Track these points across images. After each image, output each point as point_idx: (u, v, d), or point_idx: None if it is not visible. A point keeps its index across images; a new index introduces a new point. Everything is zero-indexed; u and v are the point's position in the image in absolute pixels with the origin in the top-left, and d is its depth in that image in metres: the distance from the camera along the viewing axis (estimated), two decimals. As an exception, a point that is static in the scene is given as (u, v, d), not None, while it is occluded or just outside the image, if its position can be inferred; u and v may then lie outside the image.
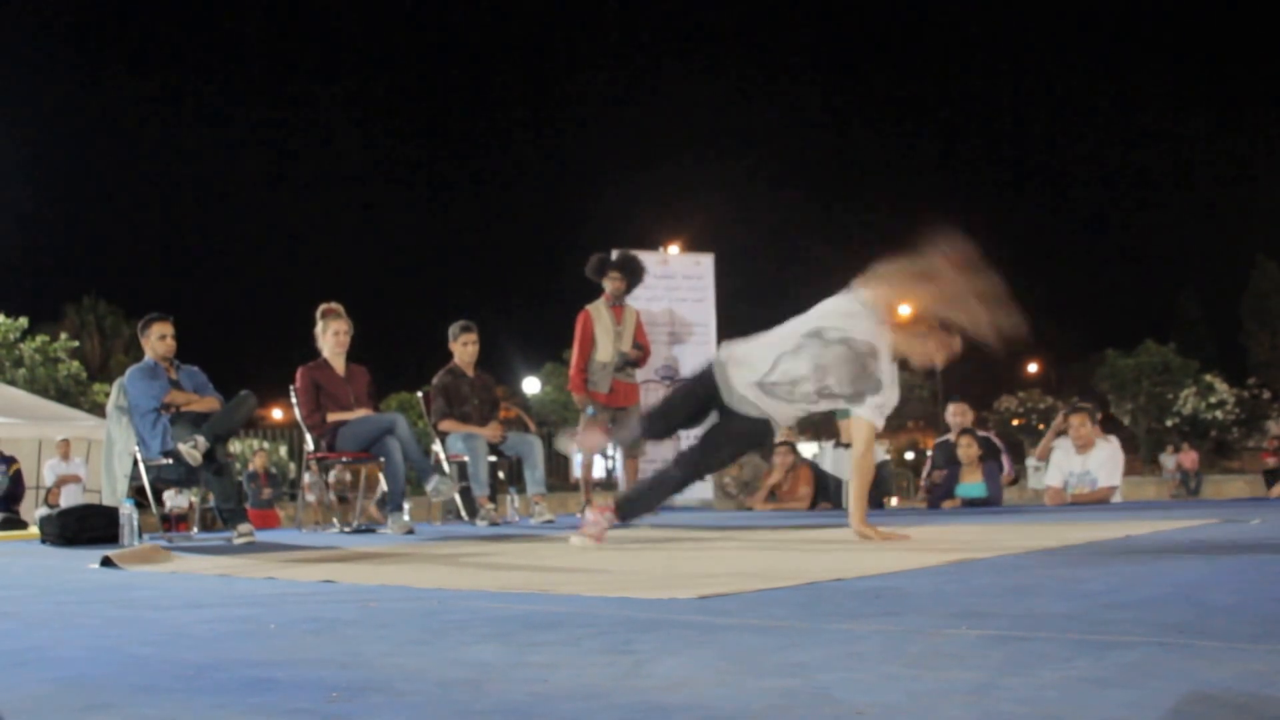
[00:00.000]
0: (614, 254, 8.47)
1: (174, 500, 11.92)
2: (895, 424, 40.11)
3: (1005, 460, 8.05)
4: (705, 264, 10.01)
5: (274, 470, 14.72)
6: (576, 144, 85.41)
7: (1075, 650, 1.44)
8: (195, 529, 7.60)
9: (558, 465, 20.41)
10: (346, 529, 6.63)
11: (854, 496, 4.12)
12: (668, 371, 9.63)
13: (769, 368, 4.05)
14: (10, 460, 12.43)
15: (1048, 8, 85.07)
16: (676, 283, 9.87)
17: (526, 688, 1.32)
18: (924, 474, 8.48)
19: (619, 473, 9.18)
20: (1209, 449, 33.49)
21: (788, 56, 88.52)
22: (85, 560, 4.01)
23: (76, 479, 12.86)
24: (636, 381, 8.45)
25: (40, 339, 24.51)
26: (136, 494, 5.85)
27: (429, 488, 6.26)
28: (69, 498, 12.05)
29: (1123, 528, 4.08)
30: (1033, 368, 44.90)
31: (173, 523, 11.34)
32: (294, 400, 6.65)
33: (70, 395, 22.57)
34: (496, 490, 7.35)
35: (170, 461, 5.81)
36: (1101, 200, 73.10)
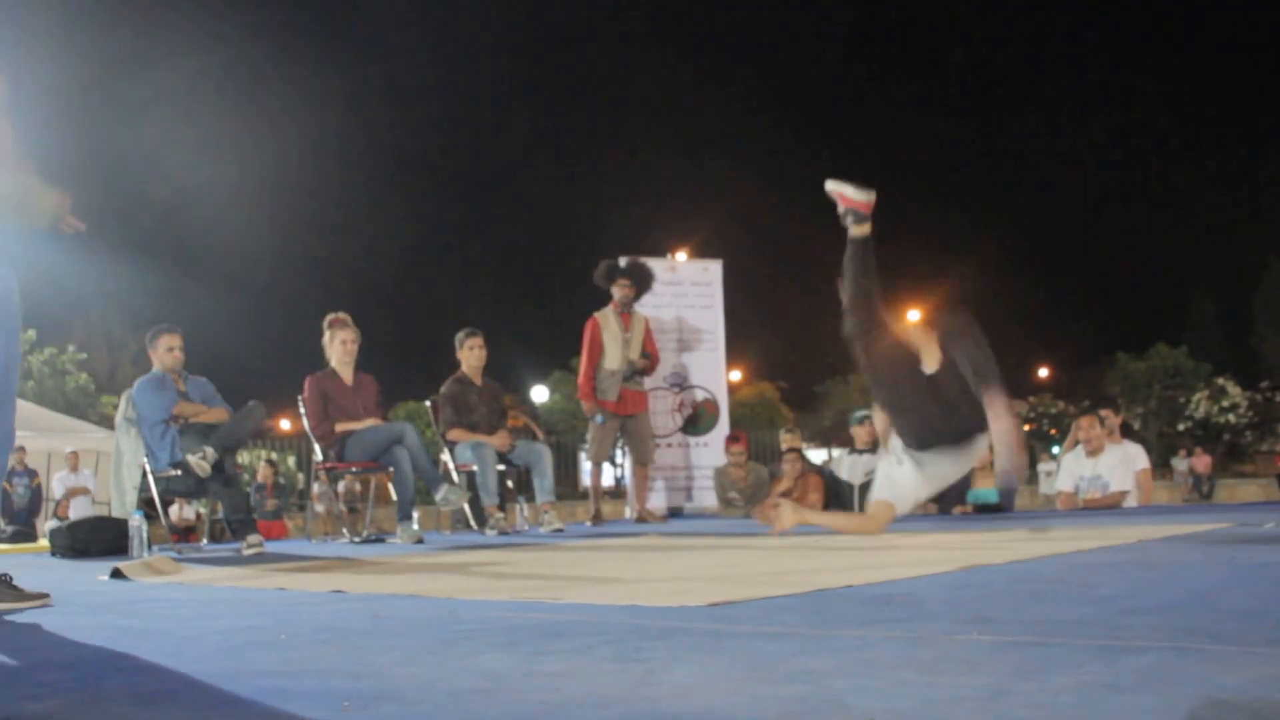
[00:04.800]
0: (622, 261, 8.48)
1: (177, 512, 11.96)
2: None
3: None
4: (713, 270, 10.00)
5: (282, 480, 14.73)
6: (584, 150, 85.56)
7: (1089, 655, 1.44)
8: (204, 540, 7.60)
9: (566, 474, 20.41)
10: (356, 539, 6.63)
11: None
12: (676, 379, 9.63)
13: None
14: (33, 474, 12.54)
15: (1055, 8, 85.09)
16: (684, 289, 9.86)
17: (538, 696, 1.32)
18: None
19: (627, 481, 9.18)
20: (1222, 452, 33.32)
21: (796, 63, 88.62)
22: (95, 572, 4.01)
23: (85, 491, 12.90)
24: (645, 389, 8.45)
25: (48, 351, 24.57)
26: (146, 505, 5.86)
27: (438, 497, 6.26)
28: (78, 510, 12.09)
29: (1135, 532, 4.07)
30: (1043, 372, 44.79)
31: (182, 534, 11.38)
32: (302, 410, 6.66)
33: (78, 407, 22.61)
34: (505, 499, 7.35)
35: (179, 473, 5.83)
36: (1111, 203, 73.02)
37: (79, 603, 2.95)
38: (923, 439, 4.49)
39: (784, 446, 9.10)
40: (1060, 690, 1.23)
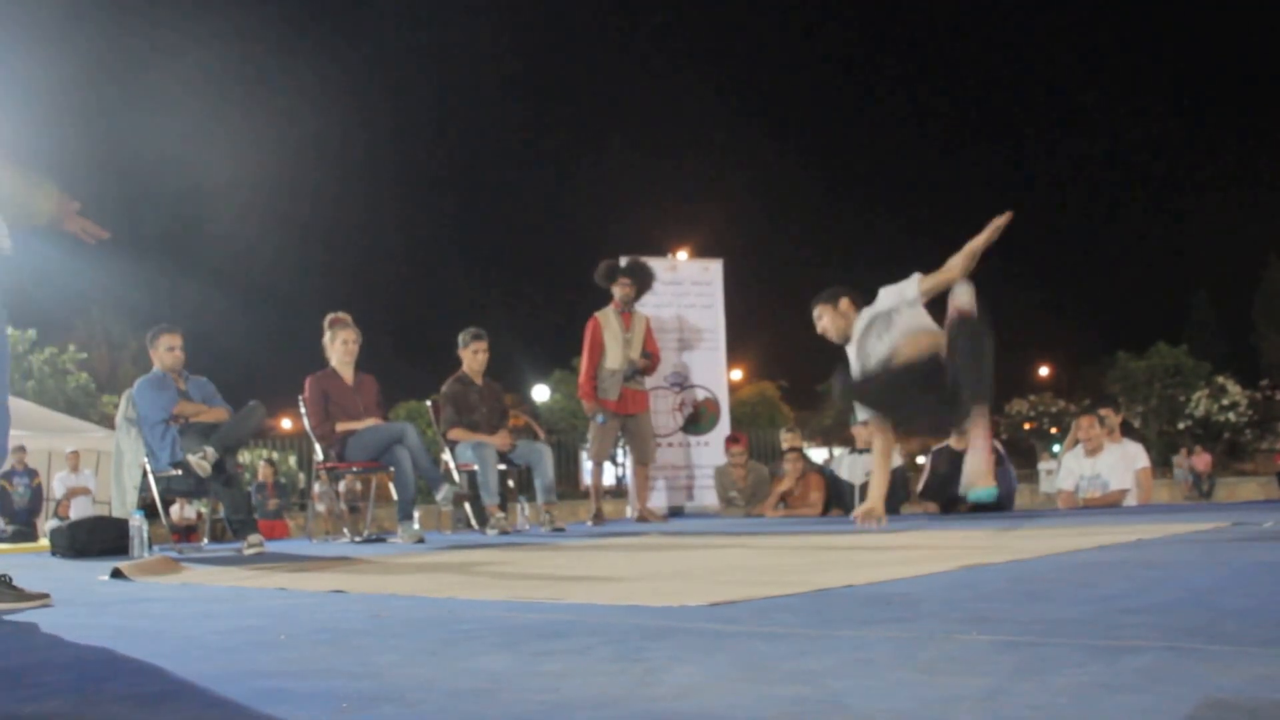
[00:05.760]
0: (623, 260, 8.48)
1: (178, 512, 11.97)
2: (907, 428, 39.93)
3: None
4: (714, 270, 10.00)
5: (283, 480, 14.74)
6: (586, 150, 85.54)
7: (1087, 655, 1.44)
8: (205, 540, 7.61)
9: (567, 473, 20.41)
10: (357, 538, 6.64)
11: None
12: (677, 378, 9.64)
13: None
14: (34, 473, 12.55)
15: (1058, 10, 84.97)
16: (685, 289, 9.86)
17: (537, 697, 1.32)
18: (921, 482, 8.38)
19: (628, 481, 9.18)
20: (1221, 451, 33.33)
21: (799, 65, 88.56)
22: (95, 572, 4.02)
23: (86, 491, 12.91)
24: (646, 389, 8.45)
25: (49, 351, 24.58)
26: (146, 505, 5.87)
27: (439, 496, 6.26)
28: (78, 509, 12.11)
29: (1135, 531, 4.07)
30: (1044, 371, 44.83)
31: (183, 534, 11.39)
32: (303, 410, 6.66)
33: (79, 407, 22.61)
34: (506, 498, 7.36)
35: (179, 472, 5.83)
36: (1112, 202, 72.98)
37: (79, 603, 2.95)
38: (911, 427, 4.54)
39: (785, 446, 9.10)
40: (1059, 690, 1.23)
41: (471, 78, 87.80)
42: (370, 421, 6.48)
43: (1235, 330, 45.09)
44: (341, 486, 9.29)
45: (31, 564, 5.31)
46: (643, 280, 8.45)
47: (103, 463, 13.13)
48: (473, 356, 7.31)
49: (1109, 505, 7.22)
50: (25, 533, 11.20)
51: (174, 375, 6.04)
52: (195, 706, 1.37)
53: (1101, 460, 7.41)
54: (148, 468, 5.91)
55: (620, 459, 9.88)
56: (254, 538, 5.50)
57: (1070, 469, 7.65)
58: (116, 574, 3.74)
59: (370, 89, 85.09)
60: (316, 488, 11.99)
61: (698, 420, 9.69)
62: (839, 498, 8.29)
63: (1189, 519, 4.92)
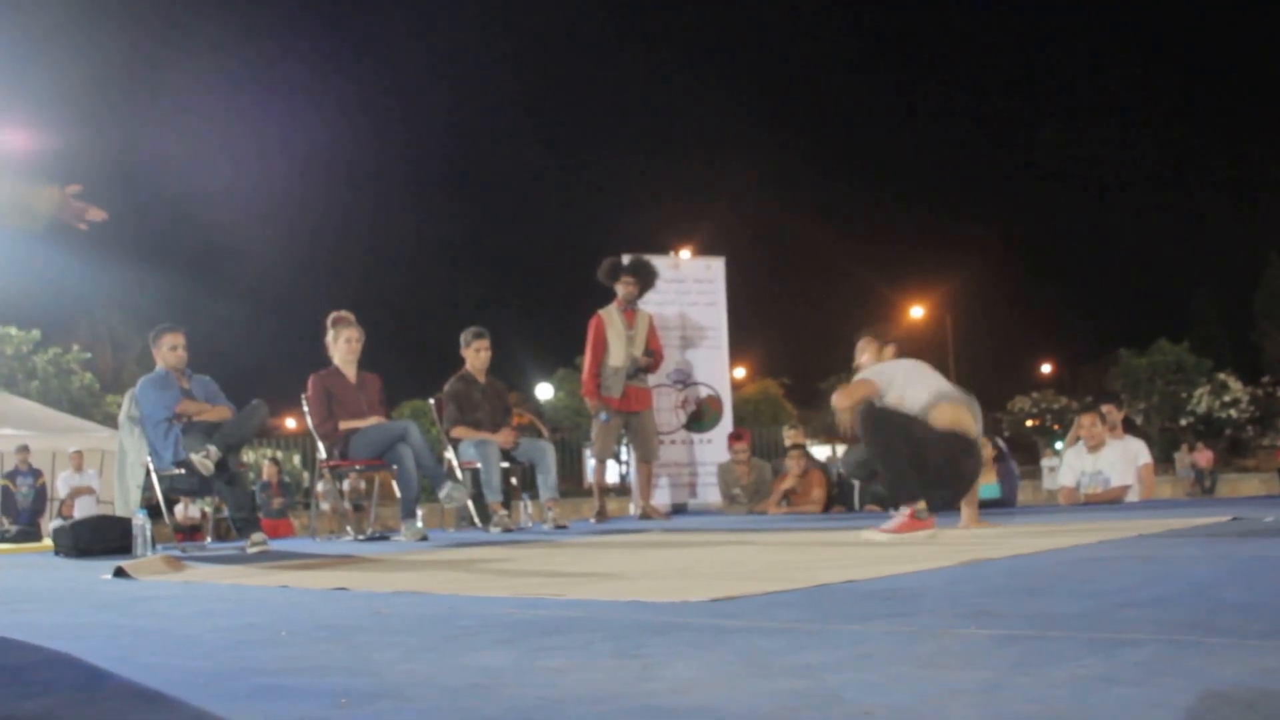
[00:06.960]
0: (625, 258, 8.47)
1: (182, 511, 11.98)
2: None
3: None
4: (716, 268, 10.00)
5: (287, 479, 14.75)
6: (588, 148, 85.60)
7: (1086, 649, 1.44)
8: (209, 539, 7.62)
9: (571, 471, 20.41)
10: (360, 537, 6.64)
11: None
12: (680, 376, 9.63)
13: None
14: (38, 473, 12.56)
15: (1062, 9, 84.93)
16: (688, 286, 9.85)
17: (536, 692, 1.32)
18: None
19: (632, 478, 9.18)
20: (1223, 448, 33.26)
21: (800, 62, 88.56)
22: (98, 571, 4.02)
23: (90, 490, 12.91)
24: (649, 386, 8.45)
25: (53, 351, 24.62)
26: (150, 505, 5.87)
27: (442, 494, 6.26)
28: (82, 509, 12.10)
29: (1135, 526, 4.07)
30: (1046, 368, 44.82)
31: (187, 533, 11.40)
32: (306, 409, 6.67)
33: (83, 407, 22.64)
34: (509, 496, 7.35)
35: (183, 471, 5.83)
36: (1114, 199, 72.90)
37: (80, 602, 2.95)
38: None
39: (788, 443, 9.10)
40: (1057, 683, 1.23)
41: (477, 79, 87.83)
42: (373, 420, 6.48)
43: (1237, 327, 45.00)
44: (345, 485, 9.31)
45: (35, 563, 5.32)
46: (646, 278, 8.44)
47: (107, 462, 13.13)
48: (475, 355, 7.30)
49: (1111, 501, 7.22)
50: (29, 532, 11.20)
51: (177, 374, 6.04)
52: (195, 703, 1.37)
53: (1103, 457, 7.41)
54: (151, 467, 5.91)
55: (623, 456, 9.87)
56: (257, 536, 5.50)
57: (1072, 465, 7.64)
58: (119, 573, 3.75)
59: (379, 94, 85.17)
60: (320, 486, 11.99)
61: (700, 418, 9.69)
62: (842, 495, 8.29)
63: (1190, 514, 4.92)
